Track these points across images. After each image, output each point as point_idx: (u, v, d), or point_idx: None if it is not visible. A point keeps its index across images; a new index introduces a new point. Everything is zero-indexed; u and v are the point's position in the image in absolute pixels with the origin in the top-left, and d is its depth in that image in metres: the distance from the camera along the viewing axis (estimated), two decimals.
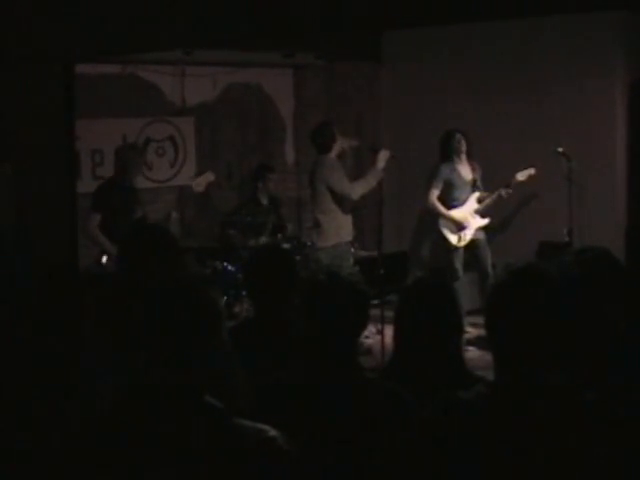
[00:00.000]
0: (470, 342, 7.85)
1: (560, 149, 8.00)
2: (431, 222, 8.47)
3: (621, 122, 8.71)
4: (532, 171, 8.04)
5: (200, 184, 7.33)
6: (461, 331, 3.09)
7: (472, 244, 8.18)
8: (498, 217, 8.46)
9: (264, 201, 8.64)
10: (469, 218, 8.13)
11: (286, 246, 7.91)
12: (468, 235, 8.13)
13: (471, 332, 7.94)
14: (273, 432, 2.06)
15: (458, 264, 8.20)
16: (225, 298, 8.15)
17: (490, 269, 8.24)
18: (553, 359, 2.11)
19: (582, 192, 8.36)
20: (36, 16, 5.47)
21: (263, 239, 8.29)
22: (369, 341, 7.73)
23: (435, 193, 8.14)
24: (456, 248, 8.16)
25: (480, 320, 8.46)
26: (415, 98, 9.80)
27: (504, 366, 2.15)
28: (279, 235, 8.45)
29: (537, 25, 8.19)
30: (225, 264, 8.23)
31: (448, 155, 8.11)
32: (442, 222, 8.21)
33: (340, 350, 2.55)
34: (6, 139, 5.68)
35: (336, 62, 9.93)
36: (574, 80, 8.72)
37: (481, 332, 8.01)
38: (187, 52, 8.02)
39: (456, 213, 8.12)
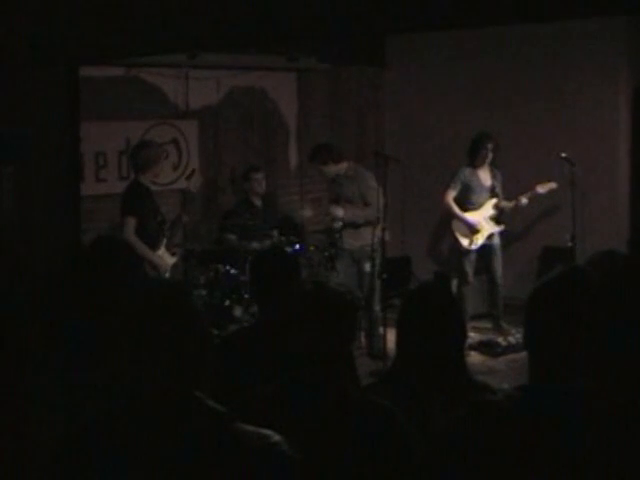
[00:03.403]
0: (472, 347, 7.85)
1: (563, 154, 8.01)
2: (447, 223, 8.51)
3: (624, 127, 8.71)
4: (553, 185, 8.05)
5: (195, 185, 7.72)
6: (464, 336, 3.09)
7: (485, 250, 8.21)
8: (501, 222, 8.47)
9: (257, 202, 8.64)
10: (482, 223, 8.15)
11: (288, 249, 7.91)
12: (480, 240, 8.16)
13: (473, 337, 7.95)
14: (277, 437, 2.06)
15: (468, 268, 8.22)
16: (227, 301, 8.15)
17: (500, 277, 8.28)
18: (587, 362, 2.10)
19: (585, 197, 8.36)
20: (40, 19, 5.48)
21: (266, 243, 8.29)
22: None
23: (452, 194, 8.19)
24: (467, 251, 8.19)
25: (483, 325, 8.46)
26: (418, 102, 9.81)
27: (539, 368, 2.14)
28: (283, 238, 8.45)
29: (540, 30, 8.20)
30: (227, 267, 8.23)
31: (473, 160, 8.13)
32: (455, 224, 8.25)
33: (326, 361, 2.53)
34: (9, 141, 5.69)
35: (340, 66, 9.94)
36: (577, 85, 8.73)
37: (483, 337, 8.02)
38: (191, 55, 8.03)
39: (470, 216, 8.15)
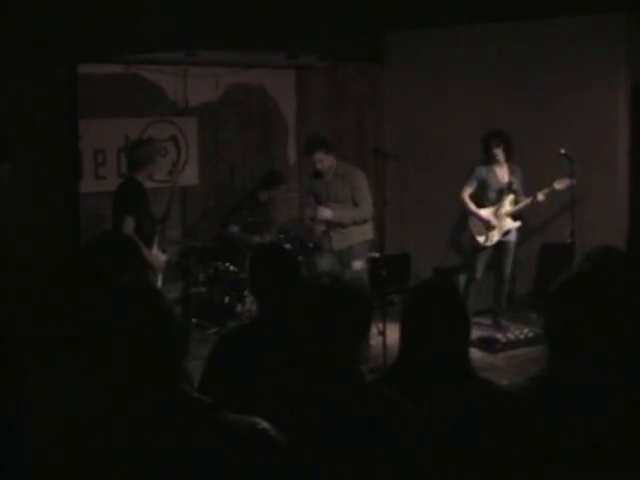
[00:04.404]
0: (471, 343, 7.85)
1: (563, 151, 8.01)
2: (464, 220, 8.54)
3: (623, 124, 8.72)
4: (571, 181, 8.05)
5: (176, 181, 7.57)
6: (468, 332, 3.10)
7: (499, 246, 8.24)
8: None
9: (262, 199, 8.69)
10: (498, 219, 8.18)
11: (288, 246, 7.92)
12: (495, 236, 8.19)
13: (472, 333, 7.96)
14: (265, 424, 2.08)
15: (479, 265, 8.25)
16: (227, 298, 8.16)
17: (507, 275, 8.30)
18: (605, 357, 2.10)
19: (584, 194, 8.36)
20: (39, 16, 5.48)
21: (268, 237, 8.31)
22: (371, 342, 7.73)
23: (468, 191, 8.24)
24: (483, 248, 8.22)
25: (482, 321, 8.43)
26: (417, 99, 9.81)
27: (557, 358, 2.14)
28: (282, 235, 8.46)
29: (539, 27, 8.20)
30: (227, 264, 8.24)
31: (486, 158, 8.19)
32: (472, 221, 8.29)
33: (341, 355, 2.54)
34: (8, 139, 5.69)
35: (339, 63, 9.94)
36: (576, 82, 8.72)
37: (483, 333, 8.03)
38: (190, 53, 8.03)
39: (485, 212, 8.18)
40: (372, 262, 7.69)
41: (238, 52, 8.40)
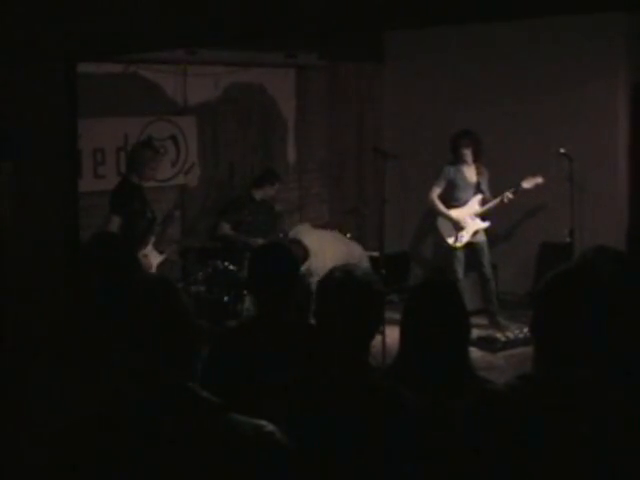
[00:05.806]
0: (471, 343, 7.85)
1: (562, 150, 8.01)
2: (432, 221, 8.53)
3: (623, 123, 8.71)
4: (539, 180, 8.04)
5: (194, 180, 7.62)
6: (468, 331, 3.11)
7: (471, 246, 8.22)
8: (500, 218, 8.47)
9: (257, 197, 8.67)
10: (467, 220, 8.16)
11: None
12: (465, 237, 8.17)
13: (472, 333, 7.96)
14: (271, 426, 2.08)
15: (458, 265, 8.23)
16: (226, 298, 8.15)
17: (489, 273, 8.28)
18: (591, 355, 2.11)
19: (584, 193, 8.36)
20: (38, 15, 5.47)
21: (260, 240, 8.30)
22: None
23: (436, 191, 8.22)
24: (454, 249, 8.21)
25: (481, 321, 8.40)
26: (417, 98, 9.81)
27: (546, 353, 2.14)
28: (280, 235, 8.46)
29: (539, 26, 8.19)
30: (225, 263, 8.23)
31: (454, 158, 8.18)
32: (440, 222, 8.27)
33: (353, 349, 2.55)
34: (7, 138, 5.68)
35: (338, 62, 9.94)
36: (576, 81, 8.72)
37: (482, 333, 8.03)
38: (190, 52, 8.03)
39: (454, 213, 8.17)
40: (371, 261, 7.71)
41: (238, 51, 8.40)
